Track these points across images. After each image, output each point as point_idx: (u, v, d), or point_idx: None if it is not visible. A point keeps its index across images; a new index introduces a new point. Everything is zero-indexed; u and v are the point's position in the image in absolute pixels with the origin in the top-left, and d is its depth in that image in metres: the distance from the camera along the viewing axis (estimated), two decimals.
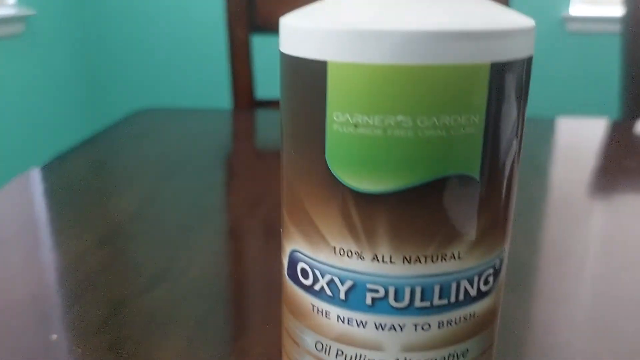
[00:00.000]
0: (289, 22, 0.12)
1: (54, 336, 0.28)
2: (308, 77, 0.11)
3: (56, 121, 2.05)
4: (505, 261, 0.13)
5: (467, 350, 0.12)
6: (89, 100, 2.27)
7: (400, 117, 0.11)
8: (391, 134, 0.11)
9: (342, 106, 0.11)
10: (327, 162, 0.11)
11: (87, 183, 0.51)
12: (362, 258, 0.12)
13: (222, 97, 2.16)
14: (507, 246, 0.13)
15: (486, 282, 0.12)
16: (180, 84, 2.22)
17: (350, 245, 0.12)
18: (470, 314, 0.12)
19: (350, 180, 0.11)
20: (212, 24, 2.11)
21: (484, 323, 0.13)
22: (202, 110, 0.75)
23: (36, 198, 0.48)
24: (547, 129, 0.73)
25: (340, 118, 0.11)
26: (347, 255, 0.12)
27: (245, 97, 0.76)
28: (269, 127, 0.71)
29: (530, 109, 2.13)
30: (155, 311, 0.30)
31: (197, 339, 0.27)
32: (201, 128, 0.68)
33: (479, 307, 0.12)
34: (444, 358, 0.12)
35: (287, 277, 0.13)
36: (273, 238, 0.38)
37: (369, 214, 0.11)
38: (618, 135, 0.69)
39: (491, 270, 0.12)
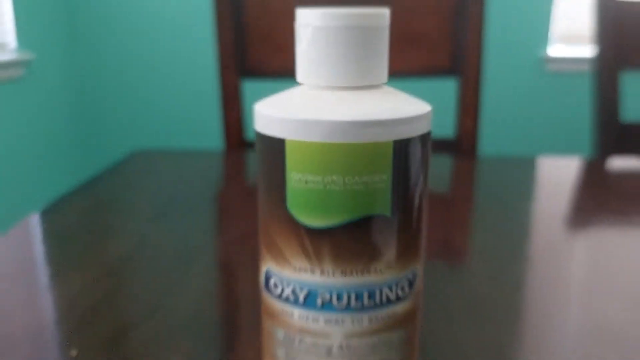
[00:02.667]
0: (261, 110, 0.17)
1: (74, 352, 0.32)
2: (274, 149, 0.17)
3: (54, 162, 2.10)
4: (421, 274, 0.18)
5: (392, 339, 0.17)
6: (86, 141, 2.34)
7: (334, 177, 0.16)
8: (329, 188, 0.16)
9: (296, 169, 0.16)
10: (287, 207, 0.17)
11: (86, 225, 0.56)
12: (313, 273, 0.17)
13: (214, 138, 2.23)
14: (420, 265, 0.18)
15: (402, 290, 0.17)
16: (174, 126, 2.29)
17: (305, 264, 0.17)
18: (393, 312, 0.17)
19: (303, 219, 0.16)
20: (204, 69, 2.19)
21: (405, 319, 0.18)
22: (194, 152, 0.80)
23: (36, 243, 0.53)
24: (527, 167, 0.79)
25: (295, 177, 0.16)
26: (303, 271, 0.17)
27: (235, 138, 0.82)
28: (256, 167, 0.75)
29: (511, 147, 2.20)
30: (151, 342, 0.35)
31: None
32: (194, 168, 0.73)
33: (399, 307, 0.17)
34: (375, 344, 0.17)
35: (264, 289, 0.18)
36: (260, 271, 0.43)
37: (317, 242, 0.16)
38: (591, 174, 0.75)
39: (406, 282, 0.17)
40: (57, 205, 0.58)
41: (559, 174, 0.76)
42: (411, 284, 0.18)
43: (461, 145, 0.84)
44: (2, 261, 0.47)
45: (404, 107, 0.17)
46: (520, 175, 0.73)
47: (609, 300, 0.38)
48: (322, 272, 0.16)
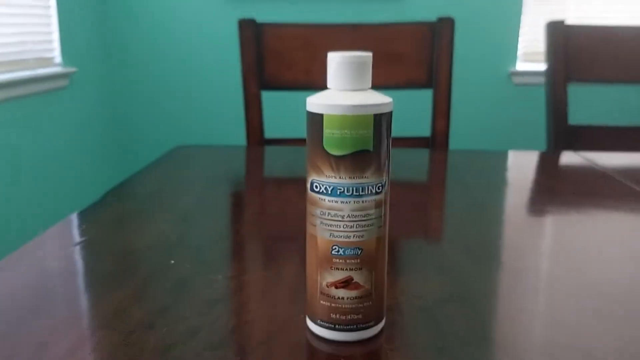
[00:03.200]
0: (311, 100, 0.35)
1: (172, 261, 0.50)
2: (317, 119, 0.34)
3: (95, 164, 2.30)
4: (388, 182, 0.36)
5: (373, 213, 0.35)
6: (124, 145, 2.55)
7: (345, 130, 0.34)
8: (343, 136, 0.34)
9: (328, 127, 0.34)
10: (323, 145, 0.34)
11: (159, 192, 0.73)
12: (335, 178, 0.34)
13: (239, 136, 2.45)
14: (388, 178, 0.35)
15: (379, 188, 0.35)
16: (204, 130, 2.51)
17: (331, 173, 0.34)
18: (374, 199, 0.35)
19: (331, 151, 0.34)
20: (231, 81, 2.41)
21: (379, 204, 0.35)
22: (225, 147, 0.98)
23: (125, 204, 0.70)
24: (491, 158, 0.98)
25: (327, 131, 0.34)
26: (331, 177, 0.34)
27: (256, 136, 1.00)
28: (275, 159, 0.94)
29: (481, 147, 2.44)
30: (224, 249, 0.53)
31: (250, 258, 0.50)
32: (226, 159, 0.91)
33: (377, 197, 0.35)
34: (365, 214, 0.35)
35: (309, 190, 0.36)
36: (277, 220, 0.61)
37: (337, 162, 0.34)
38: (546, 164, 0.94)
39: (380, 185, 0.35)
40: (134, 182, 0.76)
41: (518, 164, 0.95)
42: (383, 186, 0.35)
43: (435, 141, 1.03)
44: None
45: (378, 99, 0.35)
46: (486, 164, 0.91)
47: (564, 265, 0.57)
48: (340, 177, 0.34)
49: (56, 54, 2.00)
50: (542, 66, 2.24)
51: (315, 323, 0.37)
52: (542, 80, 2.21)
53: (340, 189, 0.34)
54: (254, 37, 1.04)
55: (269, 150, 0.99)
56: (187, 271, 0.47)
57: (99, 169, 2.27)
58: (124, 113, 2.49)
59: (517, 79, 2.38)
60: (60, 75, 1.97)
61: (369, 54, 0.35)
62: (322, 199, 0.35)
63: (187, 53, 2.42)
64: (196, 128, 2.49)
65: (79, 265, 0.50)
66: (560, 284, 0.46)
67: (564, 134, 1.21)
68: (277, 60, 1.06)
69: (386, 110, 0.34)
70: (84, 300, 0.43)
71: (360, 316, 0.36)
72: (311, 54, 1.06)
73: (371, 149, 0.34)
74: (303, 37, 1.06)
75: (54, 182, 1.99)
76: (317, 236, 0.36)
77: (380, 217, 0.35)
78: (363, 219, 0.35)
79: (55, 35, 1.99)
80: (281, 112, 2.14)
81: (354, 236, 0.35)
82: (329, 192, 0.35)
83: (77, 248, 0.53)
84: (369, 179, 0.34)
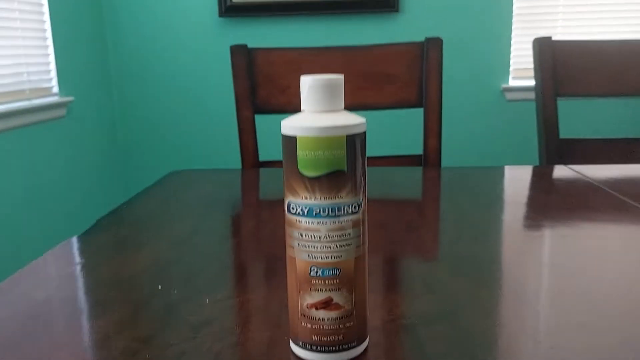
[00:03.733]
0: (285, 123, 0.36)
1: (159, 287, 0.50)
2: (291, 141, 0.35)
3: (93, 191, 2.31)
4: (364, 203, 0.36)
5: (351, 233, 0.35)
6: (121, 172, 2.57)
7: (319, 152, 0.34)
8: (317, 156, 0.34)
9: (302, 148, 0.34)
10: (298, 167, 0.35)
11: (152, 217, 0.74)
12: (311, 199, 0.35)
13: (234, 159, 2.47)
14: (363, 196, 0.36)
15: (355, 208, 0.35)
16: (199, 156, 2.53)
17: (306, 194, 0.35)
18: (351, 219, 0.35)
19: (305, 172, 0.34)
20: (225, 106, 2.45)
21: (357, 223, 0.35)
22: (219, 170, 0.99)
23: (118, 229, 0.71)
24: (490, 174, 0.98)
25: (301, 152, 0.34)
26: (306, 199, 0.35)
27: (251, 159, 1.00)
28: (269, 181, 0.94)
29: (475, 163, 2.46)
30: (216, 274, 0.53)
31: (239, 283, 0.50)
32: (221, 182, 0.92)
33: (354, 216, 0.35)
34: (342, 235, 0.35)
35: (286, 212, 0.36)
36: (272, 242, 0.61)
37: (312, 183, 0.34)
38: (538, 178, 0.94)
39: (356, 204, 0.35)
40: (125, 209, 0.76)
41: (511, 179, 0.95)
42: (359, 206, 0.35)
43: (428, 159, 1.03)
44: (82, 253, 0.64)
45: (350, 119, 0.35)
46: (478, 181, 0.91)
47: (558, 281, 0.57)
48: (315, 198, 0.34)
49: (53, 84, 2.03)
50: (533, 82, 2.27)
51: (298, 345, 0.37)
52: (533, 95, 2.24)
53: (317, 210, 0.35)
54: (246, 62, 1.06)
55: (263, 172, 1.00)
56: (175, 297, 0.47)
57: (97, 197, 2.28)
58: (122, 141, 2.52)
59: (509, 95, 2.40)
60: (58, 104, 2.00)
61: (340, 76, 0.35)
62: (298, 220, 0.35)
63: (183, 79, 2.46)
64: (194, 153, 2.51)
65: (66, 294, 0.50)
66: (553, 301, 0.46)
67: (555, 147, 1.21)
68: (270, 84, 1.07)
69: (359, 130, 0.35)
70: (68, 330, 0.43)
71: (341, 337, 0.35)
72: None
73: (345, 169, 0.34)
74: (295, 61, 1.08)
75: (52, 212, 2.00)
76: (296, 258, 0.36)
77: (359, 236, 0.36)
78: (341, 239, 0.35)
79: (52, 65, 2.02)
80: (275, 134, 2.17)
81: (332, 257, 0.35)
82: (305, 213, 0.35)
83: (67, 276, 0.53)
84: (344, 199, 0.35)
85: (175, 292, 0.48)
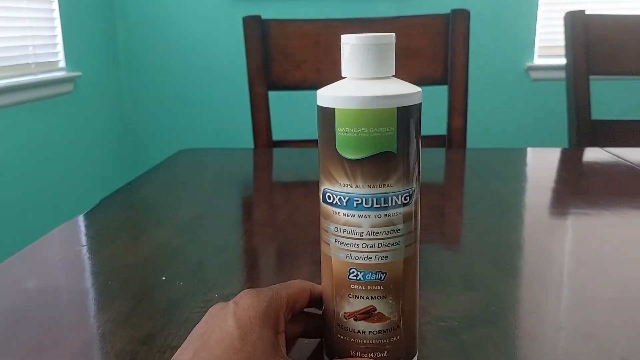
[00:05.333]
0: (321, 92, 0.29)
1: (163, 278, 0.44)
2: (328, 114, 0.28)
3: (100, 167, 2.26)
4: (417, 192, 0.29)
5: (399, 229, 0.29)
6: (128, 148, 2.51)
7: (362, 128, 0.27)
8: (359, 135, 0.27)
9: (341, 125, 0.28)
10: (336, 147, 0.28)
11: (158, 200, 0.68)
12: (351, 187, 0.28)
13: (245, 137, 2.40)
14: (417, 185, 0.29)
15: (405, 199, 0.29)
16: (210, 133, 2.46)
17: (346, 181, 0.28)
18: (400, 212, 0.29)
19: (345, 154, 0.28)
20: (237, 82, 2.36)
21: (407, 218, 0.29)
22: (229, 149, 0.93)
23: (123, 210, 0.65)
24: (511, 156, 0.91)
25: (340, 129, 0.28)
26: (345, 186, 0.28)
27: (264, 139, 0.94)
28: (283, 161, 0.88)
29: (499, 145, 2.38)
30: (224, 264, 0.47)
31: (252, 275, 0.44)
32: (230, 162, 0.85)
33: (402, 210, 0.29)
34: (390, 231, 0.28)
35: (322, 202, 0.30)
36: (287, 228, 0.55)
37: (353, 168, 0.28)
38: (572, 160, 0.87)
39: (407, 194, 0.29)
40: (129, 189, 0.70)
41: (542, 162, 0.88)
42: (411, 196, 0.29)
43: (452, 140, 0.96)
44: (86, 230, 0.58)
45: (403, 88, 0.28)
46: (507, 163, 0.84)
47: (605, 275, 0.50)
48: (357, 186, 0.28)
49: (60, 58, 1.96)
50: (559, 61, 2.16)
51: None
52: (560, 75, 2.13)
53: (358, 201, 0.28)
54: (260, 34, 0.98)
55: (277, 152, 0.93)
56: (180, 289, 0.42)
57: (104, 175, 2.23)
58: (130, 118, 2.44)
59: (534, 74, 2.29)
60: (65, 79, 1.93)
61: (392, 35, 0.29)
62: (336, 212, 0.29)
63: (193, 54, 2.37)
64: (205, 131, 2.44)
65: (59, 284, 0.44)
66: (601, 298, 0.39)
67: (586, 129, 1.13)
68: (285, 58, 1.00)
69: (413, 101, 0.28)
70: (61, 326, 0.37)
71: (385, 354, 0.29)
72: (321, 51, 0.99)
73: (395, 150, 0.28)
74: (312, 34, 1.00)
75: (57, 189, 1.95)
76: (332, 257, 0.30)
77: (409, 233, 0.29)
78: (387, 236, 0.29)
79: (59, 39, 1.95)
80: (290, 112, 2.08)
81: (375, 257, 0.29)
82: (344, 204, 0.28)
83: (62, 264, 0.47)
84: (392, 188, 0.28)
85: (181, 284, 0.42)
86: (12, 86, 1.66)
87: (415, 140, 0.29)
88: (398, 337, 0.29)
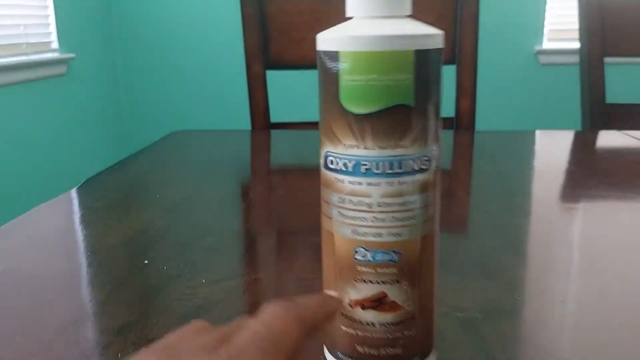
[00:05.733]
0: (322, 35, 0.24)
1: (145, 261, 0.39)
2: (331, 59, 0.23)
3: (93, 148, 2.21)
4: (437, 155, 0.24)
5: (416, 201, 0.24)
6: (123, 131, 2.46)
7: (373, 75, 0.22)
8: (369, 84, 0.23)
9: (346, 72, 0.23)
10: (340, 100, 0.23)
11: (144, 182, 0.63)
12: (359, 148, 0.23)
13: (242, 121, 2.33)
14: (436, 147, 0.24)
15: (423, 163, 0.24)
16: (205, 111, 2.41)
17: (353, 142, 0.23)
18: (416, 179, 0.24)
19: (351, 108, 0.23)
20: (233, 61, 2.29)
21: (426, 187, 0.24)
22: (225, 131, 0.88)
23: (106, 192, 0.60)
24: (529, 138, 0.86)
25: (346, 77, 0.23)
26: (351, 148, 0.23)
27: (261, 120, 0.89)
28: (282, 144, 0.83)
29: (508, 128, 2.32)
30: (213, 247, 0.42)
31: (244, 258, 0.39)
32: (227, 145, 0.80)
33: (421, 176, 0.24)
34: (403, 203, 0.24)
35: (323, 168, 0.25)
36: (284, 210, 0.50)
37: (361, 125, 0.23)
38: (581, 144, 0.81)
39: (426, 158, 0.24)
40: (114, 169, 0.65)
41: (551, 145, 0.83)
42: (430, 160, 0.24)
43: (460, 122, 0.91)
44: (67, 210, 0.54)
45: (421, 28, 0.23)
46: (518, 146, 0.79)
47: (626, 260, 0.45)
48: (365, 147, 0.23)
49: (52, 39, 1.90)
50: (569, 45, 2.10)
51: (335, 356, 0.26)
52: (570, 59, 2.07)
53: (366, 165, 0.23)
54: (257, 11, 0.93)
55: (275, 134, 0.88)
56: (163, 274, 0.37)
57: (98, 158, 2.17)
58: (125, 101, 2.39)
59: (543, 59, 2.22)
60: (58, 61, 1.87)
61: None
62: (339, 180, 0.24)
63: (190, 34, 2.31)
64: (202, 114, 2.37)
65: (37, 266, 0.39)
66: (626, 284, 0.34)
67: (600, 113, 1.08)
68: (284, 36, 0.94)
69: (434, 44, 0.23)
70: (29, 313, 0.32)
71: (398, 350, 0.25)
72: (321, 28, 0.94)
73: (412, 102, 0.23)
74: (312, 10, 0.95)
75: (50, 173, 1.90)
76: (335, 233, 0.25)
77: (427, 206, 0.24)
78: (401, 208, 0.24)
79: (51, 19, 1.89)
80: (289, 92, 2.02)
81: (387, 234, 0.24)
82: (350, 169, 0.23)
83: (38, 243, 0.42)
84: (408, 149, 0.23)
85: (165, 268, 0.38)
86: (2, 66, 1.60)
87: (435, 91, 0.24)
88: (413, 330, 0.25)
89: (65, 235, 0.45)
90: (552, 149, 0.80)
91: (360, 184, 0.23)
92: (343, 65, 0.23)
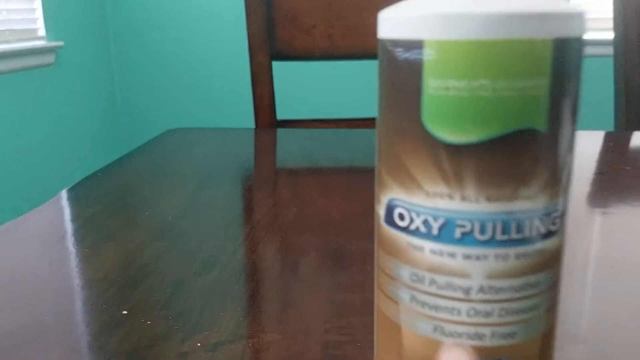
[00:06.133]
0: (389, 14, 0.15)
1: (124, 312, 0.30)
2: (407, 52, 0.14)
3: (84, 144, 2.11)
4: (568, 208, 0.16)
5: (539, 281, 0.15)
6: (115, 123, 2.34)
7: (482, 81, 0.13)
8: (476, 95, 0.13)
9: (436, 74, 0.14)
10: (423, 120, 0.14)
11: (131, 191, 0.54)
12: (451, 198, 0.14)
13: (245, 120, 2.22)
14: (568, 196, 0.15)
15: (554, 223, 0.15)
16: (205, 109, 2.29)
17: (442, 188, 0.14)
18: (541, 250, 0.15)
19: (442, 134, 0.14)
20: (236, 51, 2.17)
21: (552, 260, 0.15)
22: (227, 129, 0.78)
23: (84, 207, 0.51)
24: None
25: (434, 83, 0.14)
26: (439, 197, 0.14)
27: (266, 117, 0.80)
28: (288, 144, 0.74)
29: None
30: (212, 289, 0.33)
31: (252, 308, 0.30)
32: (228, 145, 0.71)
33: (547, 244, 0.15)
34: (520, 286, 0.15)
35: (383, 223, 0.16)
36: (298, 232, 0.41)
37: (457, 161, 0.14)
38: (615, 146, 0.72)
39: (557, 213, 0.15)
40: (98, 176, 0.56)
41: (580, 146, 0.73)
42: (562, 216, 0.15)
43: None
44: (46, 227, 0.45)
45: (561, 2, 0.14)
46: None
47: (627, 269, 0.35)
48: (463, 198, 0.14)
49: (39, 26, 1.80)
50: (597, 35, 2.00)
51: None
52: (597, 51, 1.98)
53: (465, 226, 0.14)
54: None
55: (282, 134, 0.79)
56: (145, 333, 0.28)
57: (88, 156, 2.07)
58: (118, 93, 2.27)
59: None
60: (45, 49, 1.77)
61: None
62: (416, 247, 0.15)
63: (190, 22, 2.19)
64: (200, 108, 2.26)
65: None
66: None
67: (638, 110, 0.99)
68: (291, 23, 0.85)
69: (576, 31, 0.14)
70: None
71: None
72: (333, 15, 0.84)
73: (544, 126, 0.14)
74: None
75: (36, 170, 1.80)
76: (402, 326, 0.16)
77: (551, 287, 0.15)
78: (516, 295, 0.15)
79: (38, 4, 1.78)
80: (297, 86, 1.92)
81: (492, 335, 0.15)
82: (436, 231, 0.14)
83: None
84: (533, 202, 0.14)
85: (148, 322, 0.29)
86: None
87: (575, 106, 0.15)
88: None
89: (26, 269, 0.36)
90: (578, 152, 0.71)
91: (452, 256, 0.14)
92: (430, 64, 0.14)
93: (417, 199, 0.15)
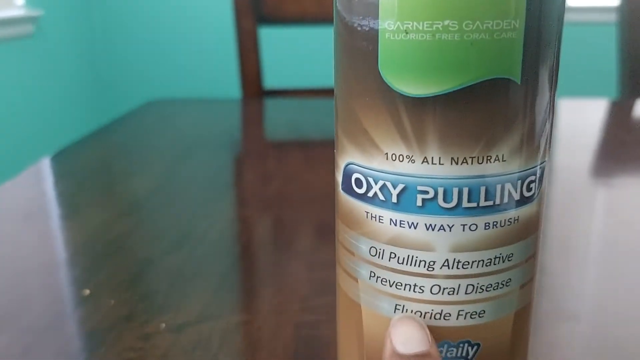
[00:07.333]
0: None
1: (87, 291, 0.28)
2: (360, 2, 0.12)
3: (66, 117, 2.06)
4: (547, 171, 0.14)
5: (512, 254, 0.13)
6: (98, 96, 2.29)
7: (447, 22, 0.11)
8: (439, 38, 0.12)
9: (393, 15, 0.12)
10: (379, 70, 0.12)
11: (106, 165, 0.52)
12: (412, 161, 0.12)
13: (231, 88, 2.16)
14: (548, 157, 0.14)
15: (529, 189, 0.13)
16: (189, 78, 2.24)
17: (402, 150, 0.12)
18: (514, 218, 0.13)
19: (402, 86, 0.12)
20: (220, 16, 2.10)
21: (528, 229, 0.13)
22: (212, 100, 0.76)
23: (51, 183, 0.49)
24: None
25: (391, 27, 0.12)
26: (399, 160, 0.12)
27: (253, 87, 0.77)
28: (277, 115, 0.72)
29: None
30: (181, 269, 0.31)
31: (222, 288, 0.28)
32: (212, 116, 0.69)
33: (522, 212, 0.13)
34: (490, 260, 0.13)
35: (341, 191, 0.14)
36: (280, 208, 0.39)
37: (419, 117, 0.12)
38: (619, 114, 0.70)
39: (533, 177, 0.13)
40: (72, 149, 0.54)
41: (581, 115, 0.71)
42: (539, 180, 0.13)
43: None
44: (16, 202, 0.43)
45: None
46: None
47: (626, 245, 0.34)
48: (425, 160, 0.12)
49: None
50: (597, 2, 1.96)
51: None
52: (597, 17, 1.93)
53: (428, 193, 0.12)
54: None
55: (270, 104, 0.77)
56: (108, 314, 0.26)
57: (70, 129, 2.03)
58: (103, 65, 2.21)
59: (568, 16, 2.07)
60: (22, 19, 1.70)
61: None
62: (375, 217, 0.13)
63: None
64: (185, 78, 2.20)
65: None
66: None
67: None
68: None
69: None
70: None
71: None
72: None
73: (517, 76, 0.12)
74: None
75: (15, 144, 1.76)
76: (362, 305, 0.14)
77: (528, 260, 0.14)
78: (486, 270, 0.13)
79: None
80: (286, 53, 1.87)
81: (459, 314, 0.13)
82: (396, 199, 0.13)
83: None
84: (505, 164, 0.12)
85: (112, 302, 0.27)
86: None
87: (555, 55, 0.13)
88: None
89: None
90: (579, 120, 0.69)
91: (413, 226, 0.13)
92: (386, 3, 0.12)
93: (375, 163, 0.13)
